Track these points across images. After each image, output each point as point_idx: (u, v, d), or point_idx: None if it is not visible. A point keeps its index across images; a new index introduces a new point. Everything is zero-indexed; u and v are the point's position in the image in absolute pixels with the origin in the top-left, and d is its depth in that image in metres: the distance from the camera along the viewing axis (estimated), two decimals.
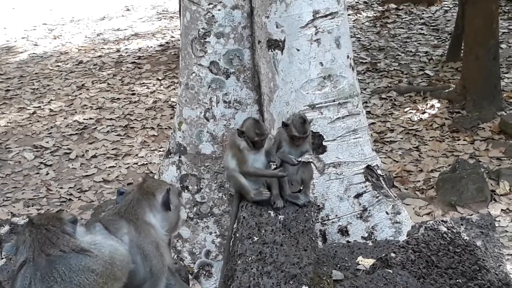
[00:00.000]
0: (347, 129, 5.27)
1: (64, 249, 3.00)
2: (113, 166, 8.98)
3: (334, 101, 5.23)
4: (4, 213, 7.75)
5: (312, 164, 4.43)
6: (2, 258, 4.14)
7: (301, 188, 4.47)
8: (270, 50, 5.28)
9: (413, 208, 7.31)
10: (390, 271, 3.74)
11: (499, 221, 7.00)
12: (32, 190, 8.38)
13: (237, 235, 4.16)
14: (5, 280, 4.03)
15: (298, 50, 5.19)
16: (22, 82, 12.23)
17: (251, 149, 4.27)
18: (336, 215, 5.25)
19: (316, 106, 5.20)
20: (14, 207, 7.95)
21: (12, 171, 8.89)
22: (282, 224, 4.15)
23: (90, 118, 10.47)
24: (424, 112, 10.11)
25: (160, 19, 16.38)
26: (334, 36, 5.24)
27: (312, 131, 5.14)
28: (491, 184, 7.71)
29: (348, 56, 5.35)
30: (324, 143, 5.21)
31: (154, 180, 4.03)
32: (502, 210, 7.29)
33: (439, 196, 7.59)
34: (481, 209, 7.19)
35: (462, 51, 11.18)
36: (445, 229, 3.98)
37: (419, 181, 8.19)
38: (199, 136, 5.63)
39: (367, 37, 13.62)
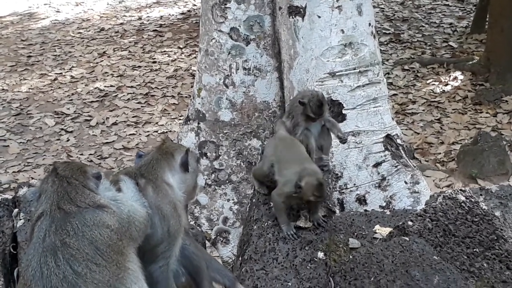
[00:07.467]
0: (367, 97, 5.22)
1: (81, 204, 2.99)
2: (133, 134, 9.01)
3: (354, 69, 5.17)
4: (25, 178, 7.83)
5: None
6: (20, 219, 4.18)
7: (323, 155, 4.39)
8: (291, 17, 5.22)
9: (433, 180, 7.27)
10: (407, 238, 3.71)
11: None
12: (52, 156, 8.45)
13: (254, 200, 4.16)
14: (24, 241, 4.06)
15: (319, 17, 5.12)
16: (44, 49, 12.27)
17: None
18: (354, 184, 5.22)
19: (337, 74, 5.14)
20: (34, 172, 8.02)
21: (33, 137, 8.95)
22: None
23: (111, 86, 10.50)
24: (447, 84, 10.02)
25: None
26: (356, 3, 5.16)
27: (332, 99, 5.11)
28: None
29: (369, 24, 5.28)
30: (343, 112, 5.17)
31: (173, 142, 4.03)
32: None
33: (459, 169, 7.54)
34: (502, 182, 7.11)
35: (487, 23, 11.04)
36: (463, 198, 3.94)
37: (440, 153, 8.14)
38: (218, 103, 5.61)
39: (391, 8, 13.47)
